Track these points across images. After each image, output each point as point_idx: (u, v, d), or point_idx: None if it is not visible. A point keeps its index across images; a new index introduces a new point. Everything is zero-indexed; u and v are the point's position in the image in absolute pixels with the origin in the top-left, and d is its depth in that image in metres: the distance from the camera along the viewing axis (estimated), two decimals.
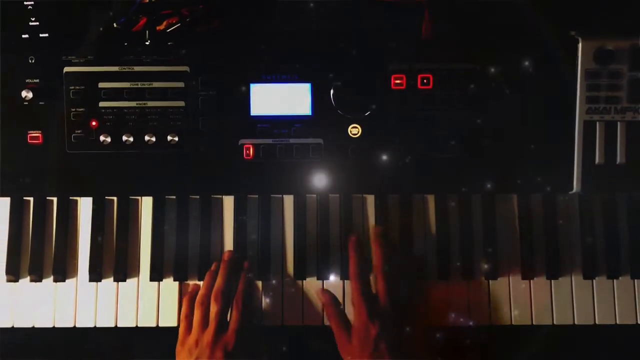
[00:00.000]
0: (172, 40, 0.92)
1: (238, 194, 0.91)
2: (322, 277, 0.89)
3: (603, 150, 0.89)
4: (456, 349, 0.88)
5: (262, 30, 0.96)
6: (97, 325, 0.89)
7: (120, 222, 0.91)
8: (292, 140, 0.91)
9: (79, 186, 0.91)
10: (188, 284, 0.90)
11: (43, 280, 0.90)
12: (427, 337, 0.85)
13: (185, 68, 0.90)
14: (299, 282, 0.90)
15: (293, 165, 0.91)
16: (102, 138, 0.90)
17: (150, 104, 0.90)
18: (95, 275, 0.89)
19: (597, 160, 0.89)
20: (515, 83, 0.89)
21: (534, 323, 0.89)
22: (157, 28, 0.94)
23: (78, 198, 0.91)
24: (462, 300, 0.89)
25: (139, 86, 0.90)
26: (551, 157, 0.90)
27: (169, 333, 0.87)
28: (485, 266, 0.89)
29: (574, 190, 0.90)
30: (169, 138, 0.90)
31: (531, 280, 0.89)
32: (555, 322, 0.88)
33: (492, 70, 0.89)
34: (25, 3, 0.90)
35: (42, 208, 0.91)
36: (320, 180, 0.91)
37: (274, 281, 0.89)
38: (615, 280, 0.89)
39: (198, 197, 0.91)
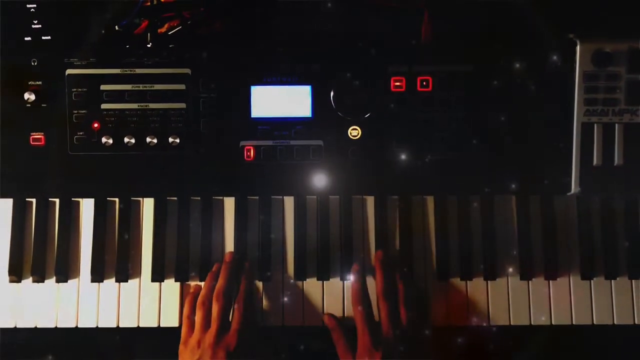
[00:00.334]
0: (173, 42, 0.92)
1: (239, 196, 0.92)
2: (322, 277, 0.90)
3: (601, 152, 0.89)
4: (456, 349, 0.88)
5: (262, 33, 0.96)
6: (99, 326, 0.89)
7: (122, 223, 0.91)
8: (292, 142, 0.91)
9: (81, 187, 0.91)
10: (189, 285, 0.90)
11: (45, 281, 0.90)
12: None
13: (187, 70, 0.90)
14: (300, 282, 0.90)
15: (293, 167, 0.91)
16: (104, 140, 0.90)
17: (152, 106, 0.90)
18: (97, 275, 0.89)
19: (595, 162, 0.89)
20: (514, 85, 0.90)
21: (532, 323, 0.89)
22: (159, 30, 0.95)
23: (80, 199, 0.92)
24: (461, 300, 0.89)
25: (141, 88, 0.90)
26: (549, 158, 0.90)
27: (171, 333, 0.88)
28: (484, 267, 0.90)
29: (572, 191, 0.90)
30: (170, 140, 0.90)
31: (529, 281, 0.90)
32: (553, 322, 0.89)
33: (491, 72, 0.90)
34: (27, 5, 0.90)
35: (45, 209, 0.91)
36: (320, 181, 0.91)
37: (274, 282, 0.90)
38: (613, 281, 0.90)
39: (199, 198, 0.92)
